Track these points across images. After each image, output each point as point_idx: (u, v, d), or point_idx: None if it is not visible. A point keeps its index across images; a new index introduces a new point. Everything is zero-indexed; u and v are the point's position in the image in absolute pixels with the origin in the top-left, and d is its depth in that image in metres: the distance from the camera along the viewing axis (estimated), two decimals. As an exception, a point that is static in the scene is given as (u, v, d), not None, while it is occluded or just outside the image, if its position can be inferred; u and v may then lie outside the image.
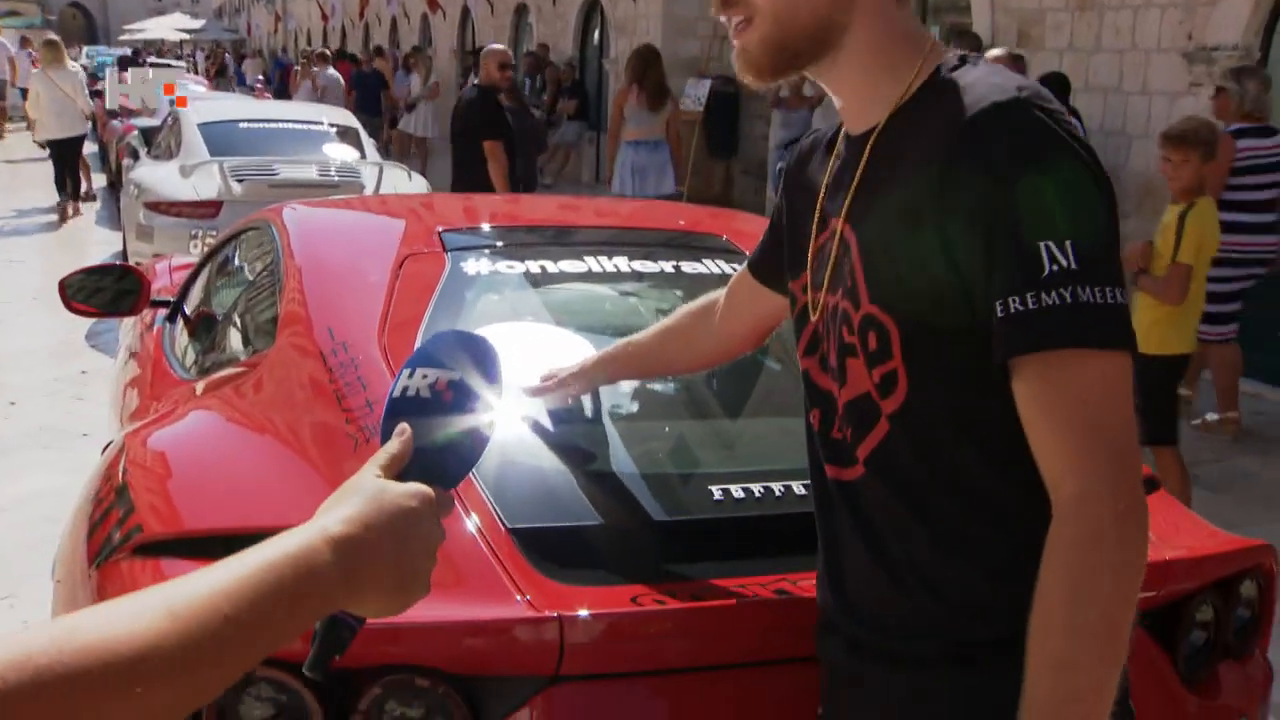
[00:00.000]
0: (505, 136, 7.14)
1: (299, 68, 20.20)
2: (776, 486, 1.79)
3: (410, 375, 1.07)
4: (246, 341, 2.64)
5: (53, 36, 12.80)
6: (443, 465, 1.03)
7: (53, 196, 12.61)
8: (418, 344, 2.00)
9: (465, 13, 21.32)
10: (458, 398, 1.05)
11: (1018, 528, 1.19)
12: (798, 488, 1.76)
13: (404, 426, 1.03)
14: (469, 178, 7.08)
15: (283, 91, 22.28)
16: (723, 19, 1.29)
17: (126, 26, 47.02)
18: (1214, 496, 5.04)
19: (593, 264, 2.42)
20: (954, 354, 1.19)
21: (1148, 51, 7.63)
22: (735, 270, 2.48)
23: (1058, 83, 7.03)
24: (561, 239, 2.78)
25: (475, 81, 7.48)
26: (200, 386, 2.50)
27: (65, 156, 12.47)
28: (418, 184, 8.21)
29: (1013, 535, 1.21)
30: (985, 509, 1.23)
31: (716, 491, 1.77)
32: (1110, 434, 1.09)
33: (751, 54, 1.27)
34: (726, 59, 13.47)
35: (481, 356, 1.10)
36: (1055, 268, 1.08)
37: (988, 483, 1.22)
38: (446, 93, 16.62)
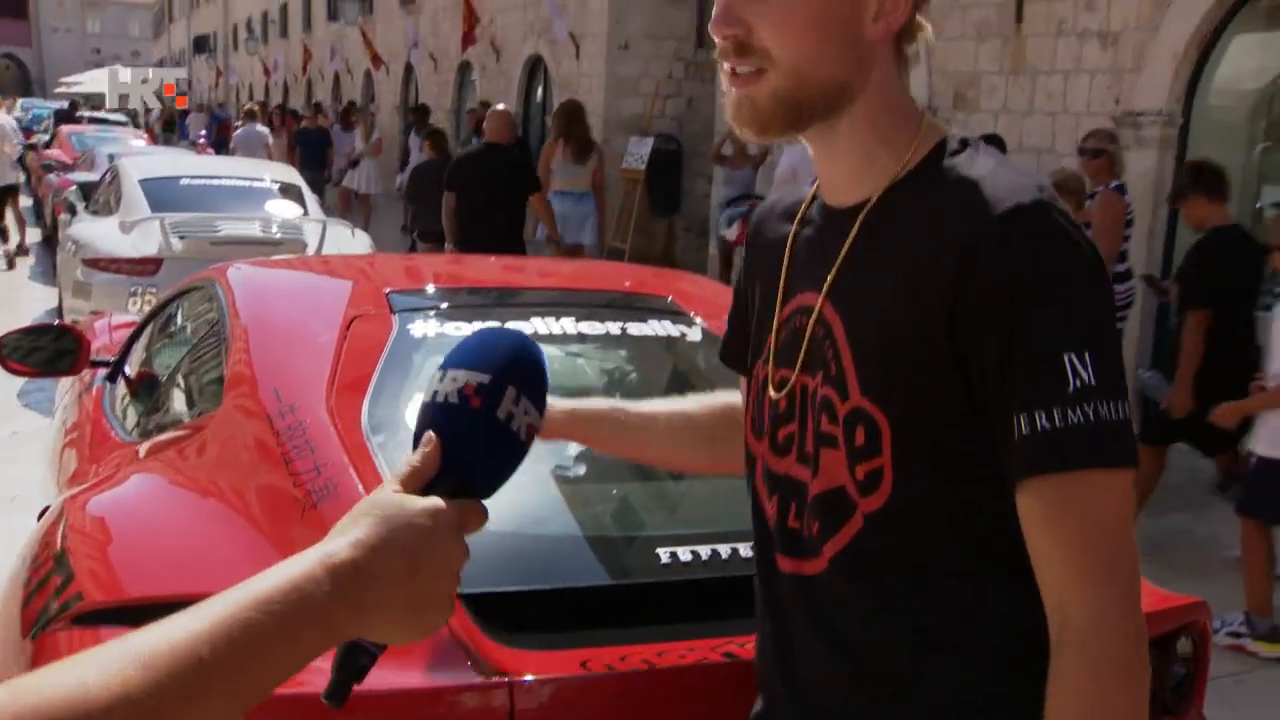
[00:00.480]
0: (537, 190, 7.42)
1: (238, 123, 20.13)
2: (723, 549, 1.81)
3: (441, 378, 1.00)
4: (191, 403, 2.62)
5: None
6: (472, 476, 0.96)
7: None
8: (365, 407, 2.00)
9: (408, 69, 21.42)
10: (487, 403, 0.97)
11: (1004, 627, 1.16)
12: (744, 550, 1.78)
13: (430, 435, 0.96)
14: (479, 232, 7.11)
15: (221, 146, 22.21)
16: (726, 66, 1.18)
17: (63, 79, 46.63)
18: (1146, 553, 5.11)
19: (539, 325, 2.44)
20: (947, 453, 1.13)
21: (1078, 115, 7.86)
22: (682, 332, 2.53)
23: (993, 144, 7.21)
24: (508, 300, 2.80)
25: (483, 139, 7.66)
26: (143, 449, 2.47)
27: None
28: (361, 241, 8.19)
29: (999, 635, 1.17)
30: (968, 607, 1.17)
31: (664, 554, 1.78)
32: (1121, 554, 1.08)
33: (761, 107, 1.17)
34: (668, 117, 13.66)
35: (518, 357, 1.02)
36: (1079, 382, 1.05)
37: (971, 580, 1.17)
38: (389, 149, 16.65)
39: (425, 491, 0.93)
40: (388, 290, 2.52)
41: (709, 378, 2.64)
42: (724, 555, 1.79)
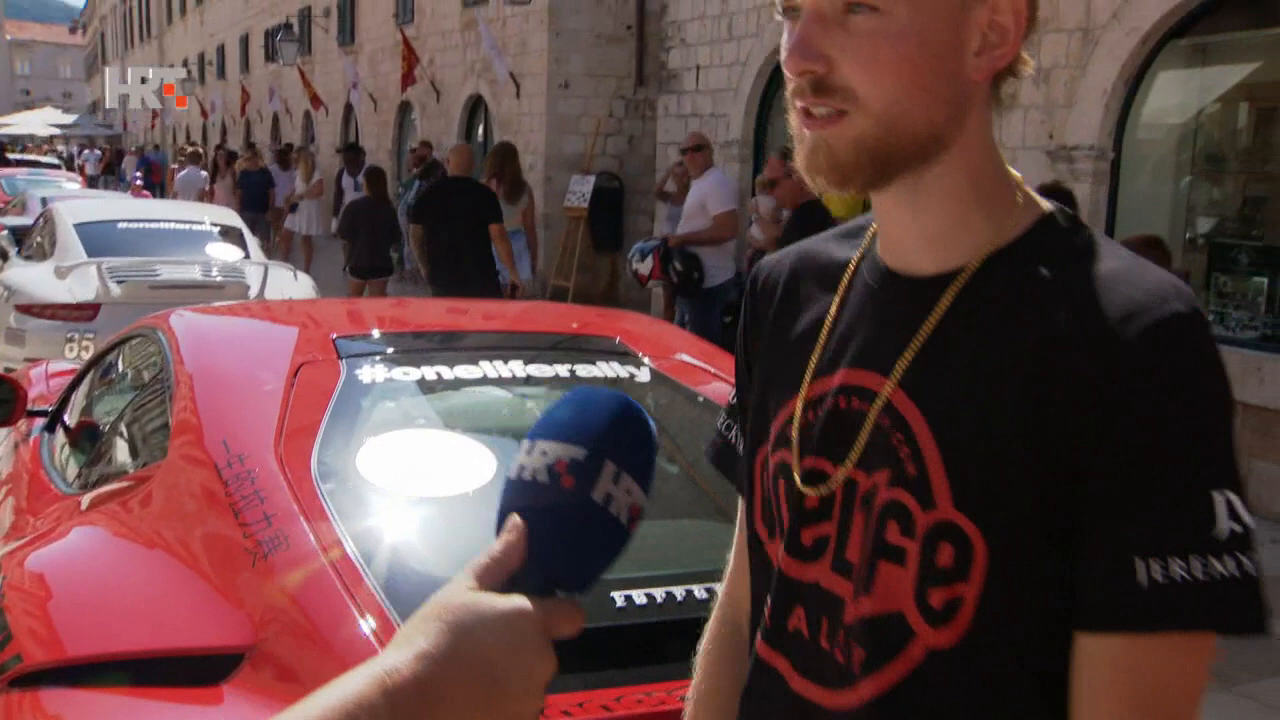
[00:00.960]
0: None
1: (175, 165, 19.93)
2: (678, 591, 1.81)
3: (530, 451, 0.86)
4: (135, 453, 2.58)
5: None
6: (565, 568, 0.83)
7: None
8: (315, 455, 1.98)
9: (348, 109, 21.36)
10: (582, 482, 0.83)
11: None
12: (699, 591, 1.79)
13: (515, 521, 0.83)
14: (448, 260, 7.29)
15: (152, 188, 22.00)
16: (798, 104, 0.99)
17: (-7, 121, 45.90)
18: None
19: (488, 369, 2.44)
20: (1042, 584, 0.93)
21: (1014, 149, 8.02)
22: (630, 373, 2.54)
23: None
24: (455, 343, 2.79)
25: (447, 173, 7.94)
26: (85, 501, 2.43)
27: None
28: (304, 283, 8.12)
29: None
30: None
31: (619, 598, 1.78)
32: None
33: (840, 155, 0.97)
34: (609, 155, 13.75)
35: (618, 426, 0.87)
36: (1235, 528, 0.87)
37: None
38: (329, 190, 16.57)
39: (507, 588, 0.80)
40: (334, 336, 2.51)
41: (659, 418, 2.66)
42: (679, 598, 1.80)
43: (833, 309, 1.08)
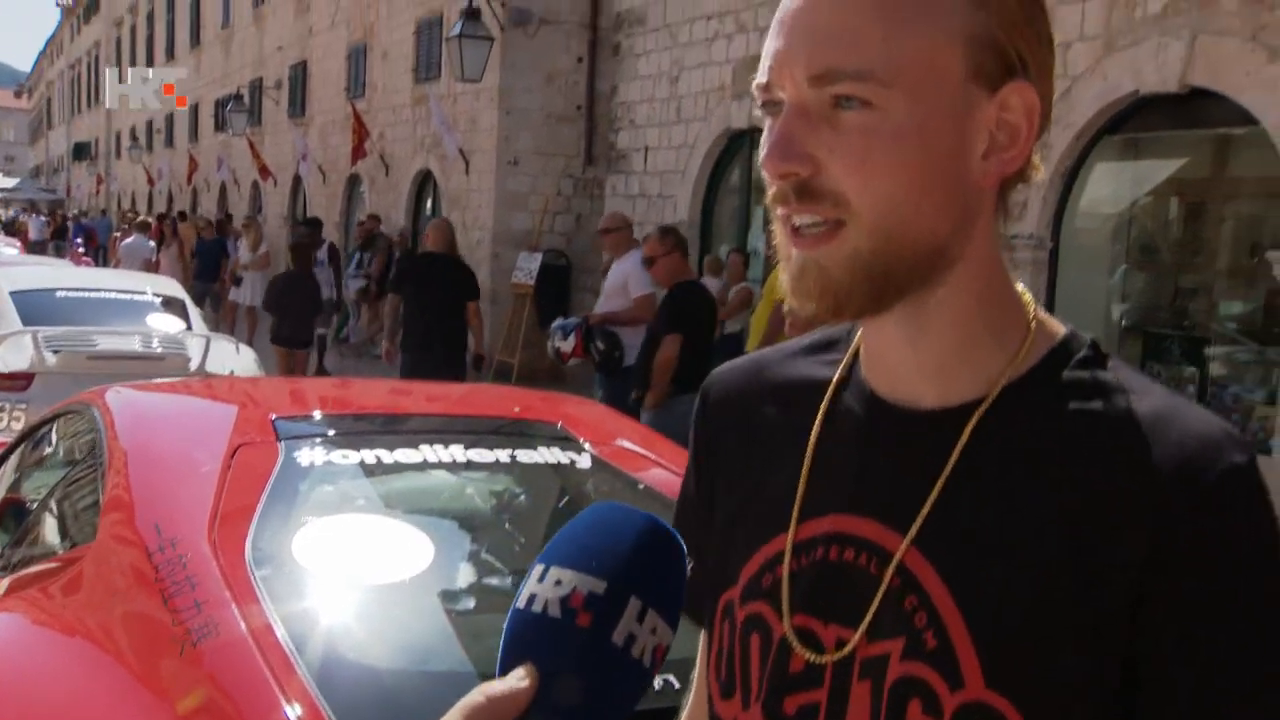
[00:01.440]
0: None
1: (118, 234, 19.79)
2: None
3: (541, 578, 0.74)
4: (63, 534, 2.52)
5: None
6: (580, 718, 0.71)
7: None
8: (249, 541, 1.95)
9: (297, 181, 21.35)
10: (599, 622, 0.71)
11: None
12: (675, 681, 1.76)
13: (522, 672, 0.71)
14: (420, 334, 7.51)
15: (92, 256, 21.85)
16: (780, 211, 0.85)
17: (-66, 185, 45.39)
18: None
19: (428, 453, 2.43)
20: None
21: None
22: (571, 459, 2.53)
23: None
24: (396, 427, 2.78)
25: (427, 248, 8.18)
26: (2, 585, 2.36)
27: None
28: (246, 356, 8.04)
29: None
30: None
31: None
32: None
33: (833, 275, 0.83)
34: (557, 233, 13.84)
35: (644, 554, 0.75)
36: None
37: None
38: (277, 263, 16.48)
39: None
40: (274, 416, 2.49)
41: (599, 504, 2.65)
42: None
43: (812, 440, 0.93)
